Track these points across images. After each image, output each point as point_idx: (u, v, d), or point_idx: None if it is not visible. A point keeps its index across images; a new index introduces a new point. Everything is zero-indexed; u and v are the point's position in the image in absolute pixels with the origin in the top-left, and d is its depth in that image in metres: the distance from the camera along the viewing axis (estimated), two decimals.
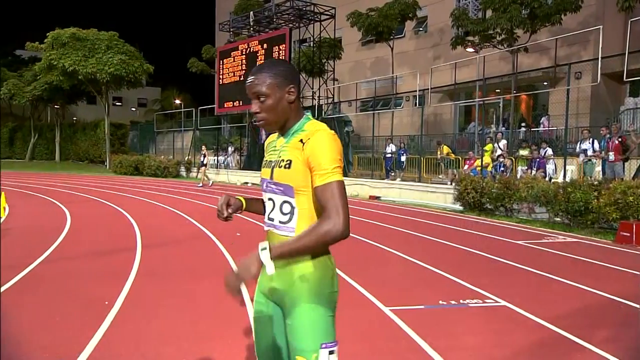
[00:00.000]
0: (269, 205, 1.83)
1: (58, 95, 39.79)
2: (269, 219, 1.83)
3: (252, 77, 1.78)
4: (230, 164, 27.67)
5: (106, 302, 4.71)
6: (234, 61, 26.34)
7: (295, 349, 1.70)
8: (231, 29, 28.70)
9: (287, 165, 1.74)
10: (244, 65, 25.56)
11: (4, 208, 10.55)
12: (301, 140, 1.73)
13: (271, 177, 1.80)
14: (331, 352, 1.70)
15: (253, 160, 25.16)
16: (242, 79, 25.65)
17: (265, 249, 1.66)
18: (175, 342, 3.82)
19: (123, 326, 4.14)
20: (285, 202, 1.76)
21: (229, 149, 28.55)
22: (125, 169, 29.63)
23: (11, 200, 12.77)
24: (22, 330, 4.01)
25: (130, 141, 40.40)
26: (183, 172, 28.67)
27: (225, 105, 26.93)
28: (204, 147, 22.21)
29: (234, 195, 2.01)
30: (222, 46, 30.77)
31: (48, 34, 34.65)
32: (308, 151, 1.69)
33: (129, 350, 3.65)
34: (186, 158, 29.49)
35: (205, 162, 21.42)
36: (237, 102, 25.66)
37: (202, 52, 38.53)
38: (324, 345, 1.69)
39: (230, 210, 1.94)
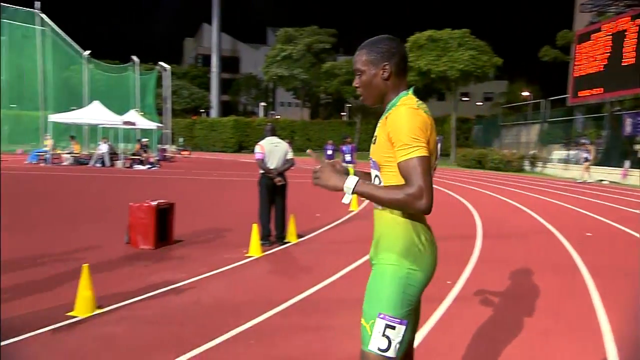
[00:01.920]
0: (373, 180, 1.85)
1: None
2: None
3: (356, 53, 1.83)
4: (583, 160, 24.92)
5: (449, 282, 5.01)
6: (594, 44, 23.52)
7: (362, 311, 1.73)
8: (594, 9, 25.68)
9: (374, 141, 1.78)
10: (607, 48, 22.52)
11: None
12: (387, 117, 1.72)
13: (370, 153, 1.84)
14: (390, 327, 1.66)
15: (613, 154, 22.00)
16: (604, 63, 22.70)
17: (353, 180, 1.67)
18: (508, 329, 3.76)
19: (463, 306, 4.32)
20: (376, 176, 1.80)
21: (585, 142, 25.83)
22: (468, 162, 30.45)
23: None
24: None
25: (474, 135, 41.25)
26: (527, 167, 27.49)
27: (580, 95, 24.38)
28: (585, 140, 20.85)
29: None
30: (581, 29, 27.89)
31: (408, 38, 38.58)
32: (389, 126, 1.69)
33: (465, 328, 3.80)
34: (531, 152, 28.13)
35: (589, 158, 20.09)
36: (597, 89, 22.84)
37: (556, 39, 35.85)
38: (381, 315, 1.67)
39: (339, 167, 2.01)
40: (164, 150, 29.53)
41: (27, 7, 30.12)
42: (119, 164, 22.09)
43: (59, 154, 23.30)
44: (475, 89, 54.84)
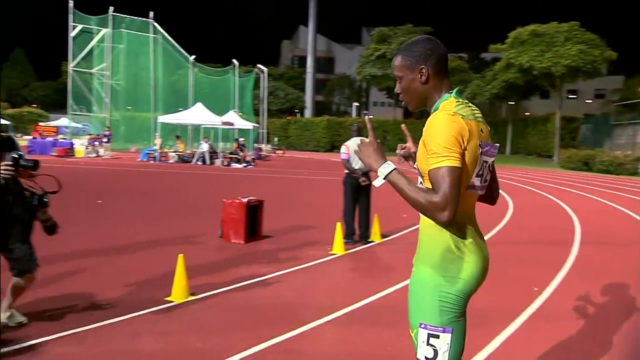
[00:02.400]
0: None
1: (513, 92, 41.91)
2: None
3: (393, 58, 1.80)
4: None
5: (535, 288, 4.81)
6: None
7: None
8: None
9: (418, 147, 1.75)
10: None
11: None
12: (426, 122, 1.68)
13: None
14: (433, 335, 1.66)
15: None
16: None
17: (389, 166, 1.67)
18: (593, 345, 3.55)
19: (546, 314, 4.14)
20: (420, 183, 1.76)
21: None
22: (573, 164, 28.41)
23: None
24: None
25: (582, 135, 38.35)
26: None
27: None
28: None
29: None
30: None
31: (509, 34, 36.80)
32: (424, 133, 1.66)
33: (545, 338, 3.64)
34: None
35: None
36: None
37: None
38: (422, 325, 1.68)
39: (402, 152, 2.01)
40: (260, 149, 30.80)
41: (142, 17, 32.92)
42: (218, 162, 23.41)
43: (166, 152, 25.19)
44: (585, 86, 50.88)
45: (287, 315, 4.00)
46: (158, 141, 24.99)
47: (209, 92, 34.72)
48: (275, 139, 46.72)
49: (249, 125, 29.12)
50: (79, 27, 31.17)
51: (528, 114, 51.43)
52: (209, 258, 5.77)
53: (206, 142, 24.31)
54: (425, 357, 1.68)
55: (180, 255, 4.25)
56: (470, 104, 1.75)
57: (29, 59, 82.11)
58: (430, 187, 1.62)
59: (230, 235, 6.61)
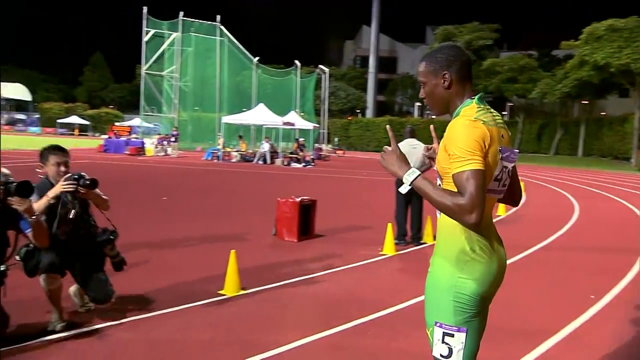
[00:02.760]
0: None
1: (586, 91, 39.74)
2: None
3: (418, 65, 1.88)
4: None
5: (592, 296, 4.62)
6: None
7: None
8: None
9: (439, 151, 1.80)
10: None
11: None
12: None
13: None
14: (448, 334, 1.71)
15: None
16: None
17: (414, 173, 1.70)
18: None
19: (601, 325, 3.98)
20: (439, 184, 1.79)
21: None
22: None
23: (528, 190, 13.98)
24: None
25: None
26: None
27: None
28: None
29: None
30: None
31: (583, 30, 34.96)
32: (445, 138, 1.71)
33: (596, 349, 3.51)
34: None
35: None
36: None
37: None
38: (437, 324, 1.73)
39: (428, 153, 2.07)
40: (320, 149, 31.09)
41: (209, 21, 34.19)
42: (278, 161, 23.90)
43: (229, 151, 26.03)
44: None
45: (333, 311, 4.09)
46: (221, 141, 25.87)
47: (271, 93, 35.51)
48: (336, 139, 46.96)
49: (309, 125, 29.50)
50: (152, 31, 32.88)
51: (604, 113, 48.54)
52: (262, 255, 5.97)
53: (267, 141, 24.88)
54: (441, 355, 1.73)
55: (232, 251, 4.45)
56: (491, 110, 1.79)
57: (107, 63, 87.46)
58: (450, 188, 1.68)
59: (283, 233, 6.79)
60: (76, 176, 3.49)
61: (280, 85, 37.02)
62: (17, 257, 3.32)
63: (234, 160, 24.77)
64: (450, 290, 1.71)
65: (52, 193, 3.42)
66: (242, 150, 26.09)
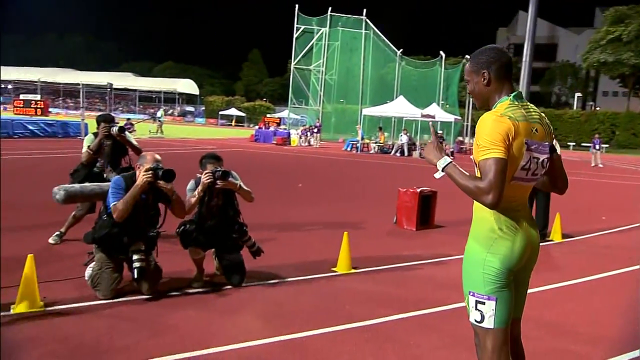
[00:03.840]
0: None
1: None
2: None
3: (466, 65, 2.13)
4: None
5: None
6: None
7: None
8: None
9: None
10: None
11: None
12: None
13: None
14: (480, 302, 1.95)
15: None
16: None
17: (446, 161, 1.96)
18: None
19: None
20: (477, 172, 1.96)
21: None
22: None
23: None
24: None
25: None
26: None
27: None
28: None
29: None
30: None
31: None
32: (476, 130, 1.93)
33: None
34: None
35: None
36: None
37: None
38: (471, 293, 1.98)
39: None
40: (461, 142, 30.19)
41: (356, 15, 35.08)
42: (415, 154, 23.83)
43: (367, 142, 26.62)
44: None
45: (428, 297, 4.29)
46: (359, 132, 26.57)
47: (415, 85, 35.27)
48: None
49: (450, 117, 28.81)
50: (302, 28, 34.84)
51: None
52: (380, 240, 6.32)
53: (405, 134, 24.95)
54: (475, 320, 1.99)
55: (345, 233, 4.88)
56: (527, 107, 1.99)
57: (263, 59, 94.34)
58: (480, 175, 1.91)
59: (403, 222, 7.05)
60: (215, 171, 4.14)
61: (425, 77, 36.53)
62: (176, 232, 4.17)
63: (372, 151, 25.30)
64: (480, 264, 1.96)
65: (200, 187, 4.14)
66: (381, 141, 26.49)
